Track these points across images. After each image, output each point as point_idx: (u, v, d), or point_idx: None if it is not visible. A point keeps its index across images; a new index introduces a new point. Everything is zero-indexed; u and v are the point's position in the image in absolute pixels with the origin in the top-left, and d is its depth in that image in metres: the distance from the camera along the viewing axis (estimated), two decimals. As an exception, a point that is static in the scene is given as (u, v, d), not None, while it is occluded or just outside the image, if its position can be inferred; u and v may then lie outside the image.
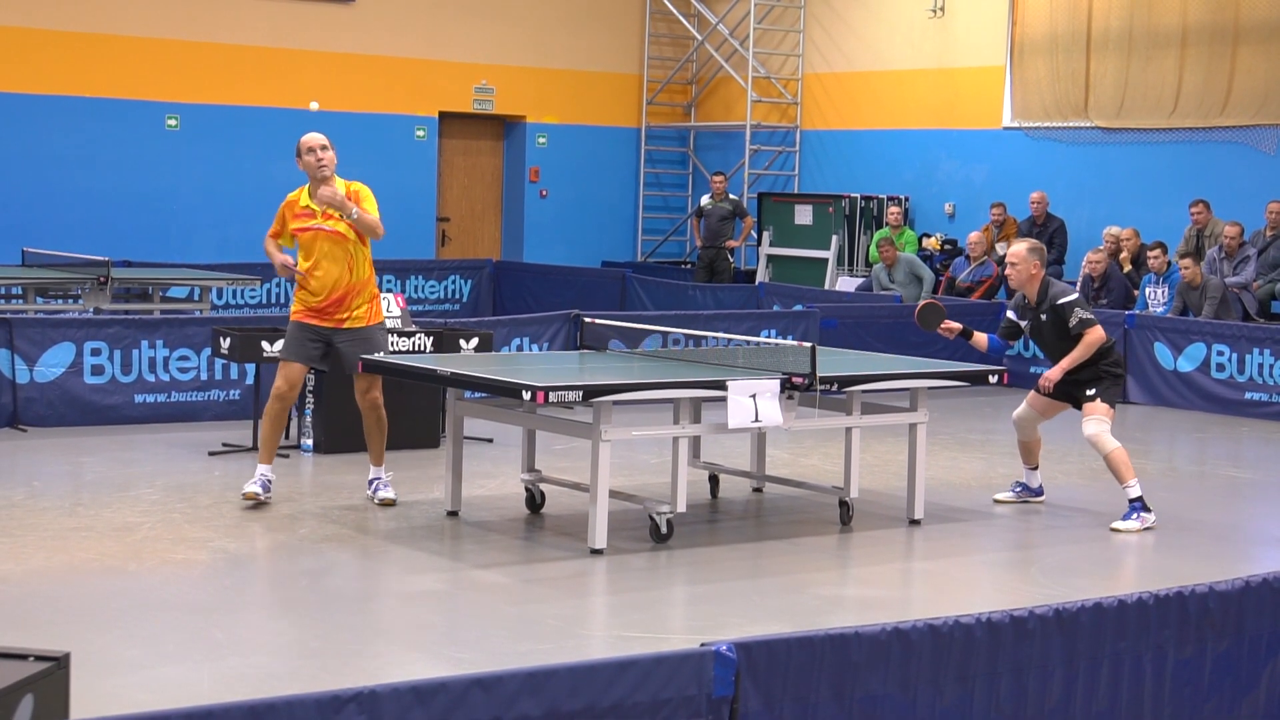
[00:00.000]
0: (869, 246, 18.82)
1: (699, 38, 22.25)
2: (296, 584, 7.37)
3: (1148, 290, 15.40)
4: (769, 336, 13.89)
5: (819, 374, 8.08)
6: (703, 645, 3.80)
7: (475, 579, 7.56)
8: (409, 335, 10.62)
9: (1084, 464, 10.83)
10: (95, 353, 11.31)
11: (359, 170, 16.07)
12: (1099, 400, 9.02)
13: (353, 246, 8.62)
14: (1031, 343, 13.85)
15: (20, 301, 13.96)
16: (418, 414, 10.71)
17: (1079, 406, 9.15)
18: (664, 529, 8.16)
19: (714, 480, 9.62)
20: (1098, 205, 17.93)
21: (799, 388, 8.07)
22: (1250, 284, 15.31)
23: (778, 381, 8.04)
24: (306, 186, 8.68)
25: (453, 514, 8.69)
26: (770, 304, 16.24)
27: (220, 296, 17.10)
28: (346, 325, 8.69)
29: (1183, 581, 4.82)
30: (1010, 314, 9.40)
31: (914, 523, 8.88)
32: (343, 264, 8.60)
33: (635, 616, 7.06)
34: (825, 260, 19.52)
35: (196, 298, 15.38)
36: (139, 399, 11.45)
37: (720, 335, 10.84)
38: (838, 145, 20.95)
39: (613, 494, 8.11)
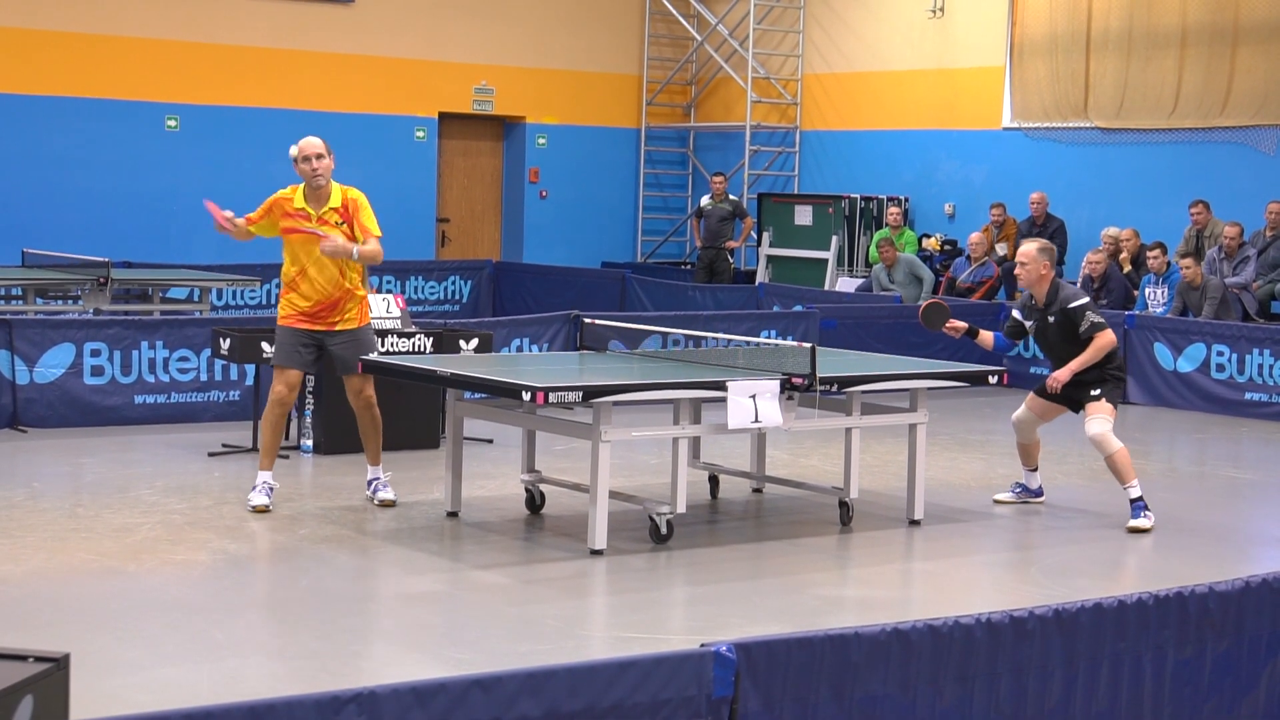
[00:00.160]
0: (869, 247, 18.81)
1: (699, 38, 22.24)
2: (296, 585, 7.36)
3: (1147, 291, 15.39)
4: (769, 337, 13.88)
5: (819, 374, 8.08)
6: (702, 646, 3.80)
7: (475, 580, 7.56)
8: (409, 336, 10.61)
9: (1084, 464, 10.83)
10: (95, 353, 11.31)
11: (359, 171, 16.17)
12: (1103, 400, 9.01)
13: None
14: (1032, 343, 13.88)
15: (20, 302, 13.95)
16: (417, 415, 10.71)
17: (1077, 410, 9.14)
18: (664, 529, 8.16)
19: (714, 481, 9.62)
20: (1097, 205, 17.93)
21: (799, 388, 8.07)
22: (1250, 284, 15.31)
23: (777, 382, 8.04)
24: (301, 187, 8.66)
25: (452, 515, 8.69)
26: (770, 305, 16.23)
27: (220, 297, 17.11)
28: (339, 328, 8.67)
29: (1183, 582, 4.82)
30: (1016, 313, 9.38)
31: (914, 523, 8.88)
32: (335, 270, 8.60)
33: (635, 617, 7.06)
34: (825, 261, 19.51)
35: (196, 299, 15.38)
36: (139, 400, 11.46)
37: (720, 336, 10.84)
38: (837, 146, 20.95)
39: (612, 495, 8.11)
